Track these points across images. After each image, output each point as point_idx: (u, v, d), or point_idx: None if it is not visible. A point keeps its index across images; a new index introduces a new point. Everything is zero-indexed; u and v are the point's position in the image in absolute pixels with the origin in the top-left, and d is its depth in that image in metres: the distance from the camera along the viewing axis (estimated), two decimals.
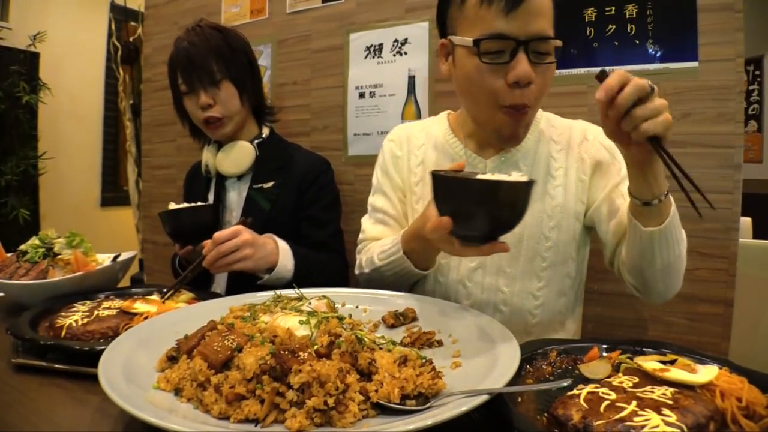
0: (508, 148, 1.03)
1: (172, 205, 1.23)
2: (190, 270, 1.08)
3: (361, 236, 1.19)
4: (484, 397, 0.51)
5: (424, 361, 0.61)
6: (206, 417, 0.53)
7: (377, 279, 1.05)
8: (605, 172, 1.01)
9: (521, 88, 0.86)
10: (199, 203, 1.30)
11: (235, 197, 1.46)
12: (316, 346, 0.59)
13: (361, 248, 1.16)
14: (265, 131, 1.50)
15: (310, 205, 1.42)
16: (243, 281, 1.24)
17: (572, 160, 1.02)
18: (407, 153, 1.15)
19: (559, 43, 0.87)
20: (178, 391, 0.58)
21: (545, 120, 1.07)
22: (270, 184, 1.41)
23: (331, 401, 0.51)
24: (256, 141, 1.45)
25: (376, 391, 0.55)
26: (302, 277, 1.12)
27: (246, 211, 1.42)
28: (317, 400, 0.51)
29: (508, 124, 0.92)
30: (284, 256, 1.17)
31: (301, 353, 0.57)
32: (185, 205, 1.25)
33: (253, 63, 1.47)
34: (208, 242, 1.06)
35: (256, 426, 0.51)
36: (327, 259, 1.35)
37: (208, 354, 0.60)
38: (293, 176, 1.43)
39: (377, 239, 1.13)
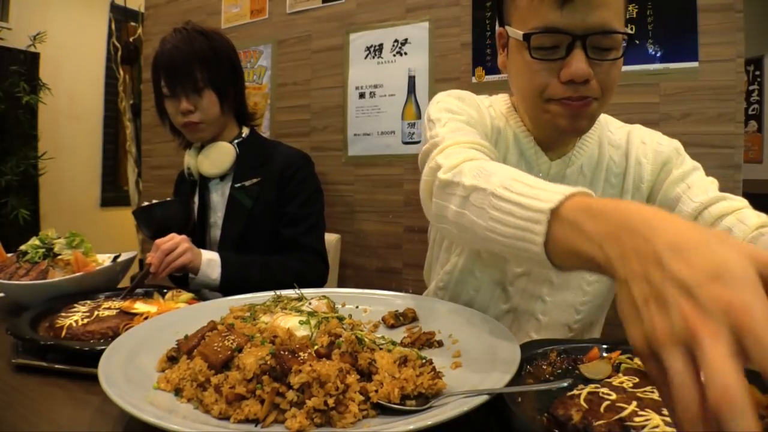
0: (571, 149, 0.94)
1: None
2: (137, 282, 1.08)
3: (434, 141, 0.83)
4: (484, 397, 0.51)
5: (424, 361, 0.61)
6: (206, 417, 0.53)
7: (451, 200, 0.68)
8: (667, 167, 0.92)
9: (576, 86, 0.77)
10: (169, 198, 1.31)
11: (219, 198, 1.46)
12: (316, 347, 0.59)
13: (442, 149, 0.78)
14: (245, 131, 1.50)
15: (288, 202, 1.42)
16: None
17: (631, 166, 0.94)
18: (487, 118, 0.95)
19: (621, 37, 0.77)
20: (178, 392, 0.58)
21: (603, 122, 0.99)
22: (251, 181, 1.41)
23: (331, 401, 0.51)
24: (236, 141, 1.45)
25: (376, 391, 0.55)
26: (240, 282, 1.18)
27: (229, 211, 1.42)
28: (317, 400, 0.51)
29: (564, 115, 0.81)
30: (207, 265, 1.21)
31: (301, 353, 0.57)
32: (155, 201, 1.26)
33: (237, 69, 1.46)
34: (150, 255, 1.11)
35: (256, 426, 0.51)
36: (282, 261, 1.34)
37: (208, 354, 0.60)
38: (273, 172, 1.43)
39: (464, 141, 0.79)
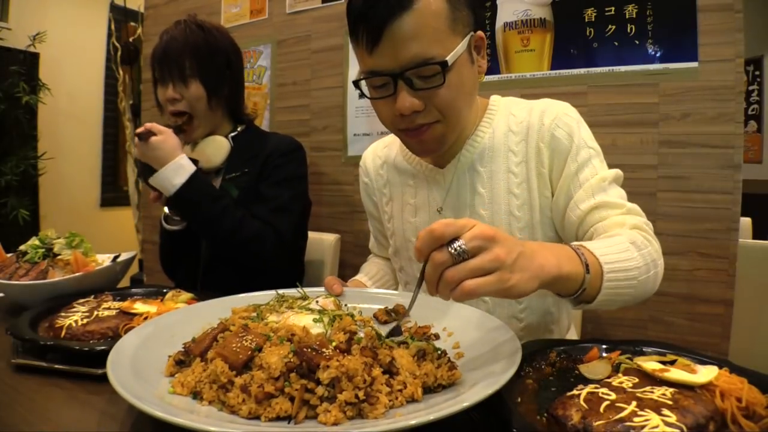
0: (458, 150, 0.96)
1: None
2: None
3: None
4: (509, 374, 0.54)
5: (439, 353, 0.64)
6: (233, 417, 0.53)
7: None
8: (562, 159, 0.91)
9: (410, 117, 0.83)
10: None
11: None
12: (333, 343, 0.60)
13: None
14: (241, 126, 1.47)
15: (261, 182, 1.38)
16: (217, 271, 1.32)
17: (531, 152, 0.93)
18: (373, 177, 1.16)
19: (440, 63, 0.78)
20: (196, 395, 0.57)
21: (504, 109, 0.98)
22: (240, 172, 1.40)
23: (361, 394, 0.53)
24: (231, 134, 1.44)
25: (401, 391, 0.56)
26: (195, 208, 1.23)
27: None
28: (348, 393, 0.52)
29: (412, 144, 0.91)
30: (177, 168, 1.20)
31: (324, 350, 0.57)
32: None
33: (233, 67, 1.43)
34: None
35: (288, 423, 0.52)
36: (246, 217, 1.28)
37: (228, 355, 0.59)
38: (260, 159, 1.41)
39: (374, 251, 1.32)
